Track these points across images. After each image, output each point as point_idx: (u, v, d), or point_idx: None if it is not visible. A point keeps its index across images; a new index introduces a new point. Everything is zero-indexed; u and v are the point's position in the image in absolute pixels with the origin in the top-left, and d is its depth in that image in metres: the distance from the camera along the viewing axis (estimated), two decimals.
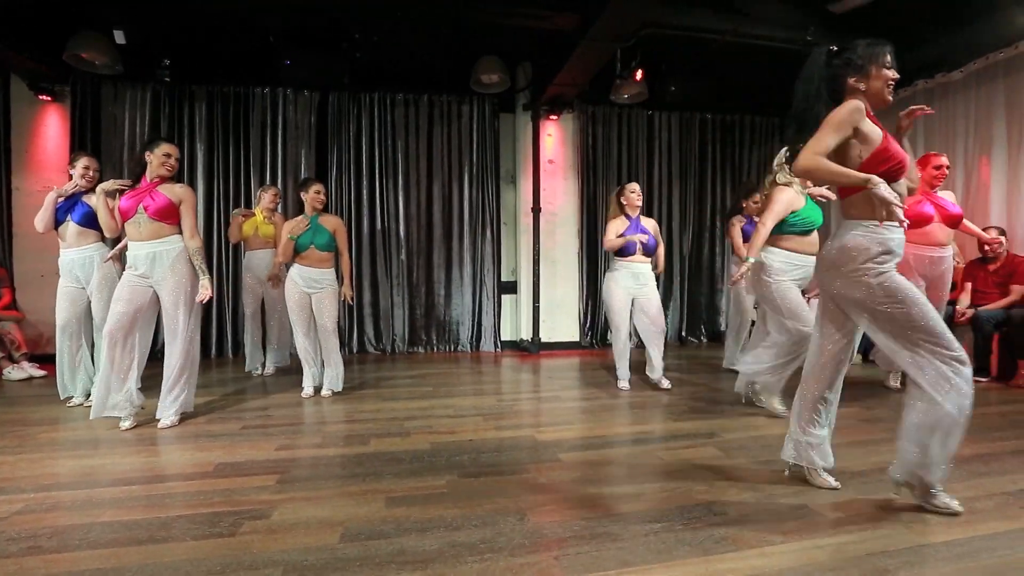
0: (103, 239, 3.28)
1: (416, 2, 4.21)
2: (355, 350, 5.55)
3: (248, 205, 4.98)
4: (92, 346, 3.39)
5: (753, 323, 5.02)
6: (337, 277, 3.61)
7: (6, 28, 4.16)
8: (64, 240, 3.25)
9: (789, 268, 2.87)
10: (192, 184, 5.17)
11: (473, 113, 5.75)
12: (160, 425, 2.81)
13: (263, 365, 4.40)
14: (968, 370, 1.68)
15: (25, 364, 4.20)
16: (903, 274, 1.81)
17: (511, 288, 5.97)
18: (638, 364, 4.01)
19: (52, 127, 5.04)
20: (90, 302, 3.25)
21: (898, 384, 3.57)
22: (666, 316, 4.45)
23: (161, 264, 2.80)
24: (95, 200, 3.08)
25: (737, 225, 4.16)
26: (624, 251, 3.63)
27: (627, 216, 3.66)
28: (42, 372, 4.15)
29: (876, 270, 1.74)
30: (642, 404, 3.37)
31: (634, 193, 3.65)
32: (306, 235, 3.46)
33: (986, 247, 4.01)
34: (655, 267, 3.80)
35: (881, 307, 1.74)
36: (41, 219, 3.21)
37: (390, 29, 4.72)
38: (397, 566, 1.47)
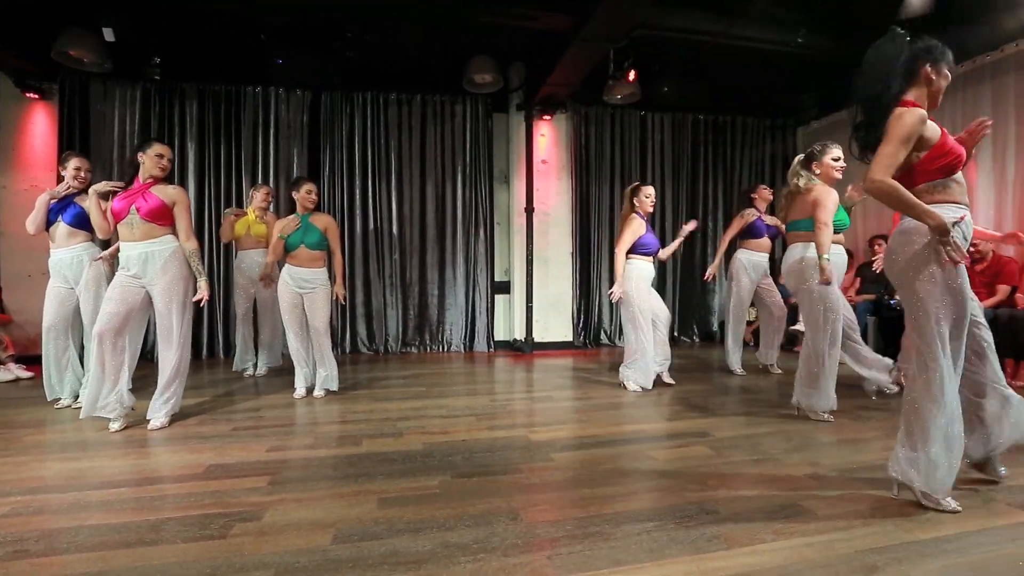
0: (92, 239, 3.25)
1: (409, 1, 4.20)
2: (348, 350, 5.53)
3: (240, 205, 4.95)
4: (81, 347, 3.36)
5: (750, 322, 5.06)
6: (330, 277, 3.59)
7: None
8: (54, 241, 3.23)
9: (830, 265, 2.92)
10: (183, 183, 5.14)
11: (466, 113, 5.75)
12: (150, 427, 2.78)
13: (255, 366, 4.37)
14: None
15: (12, 365, 4.15)
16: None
17: (504, 288, 5.98)
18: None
19: (39, 125, 4.98)
20: (79, 302, 3.22)
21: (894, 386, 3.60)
22: None
23: (153, 264, 2.78)
24: (87, 201, 3.05)
25: (741, 219, 4.27)
26: (646, 250, 3.72)
27: (640, 216, 3.71)
28: (29, 374, 4.10)
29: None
30: (635, 403, 3.38)
31: (648, 198, 3.71)
32: (296, 234, 3.44)
33: (971, 248, 4.07)
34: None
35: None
36: (33, 221, 3.18)
37: (383, 28, 4.71)
38: (390, 567, 1.46)
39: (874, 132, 1.77)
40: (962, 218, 1.72)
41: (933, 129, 1.74)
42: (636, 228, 3.65)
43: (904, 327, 3.63)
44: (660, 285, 6.14)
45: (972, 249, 4.07)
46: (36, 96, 4.88)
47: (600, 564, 1.47)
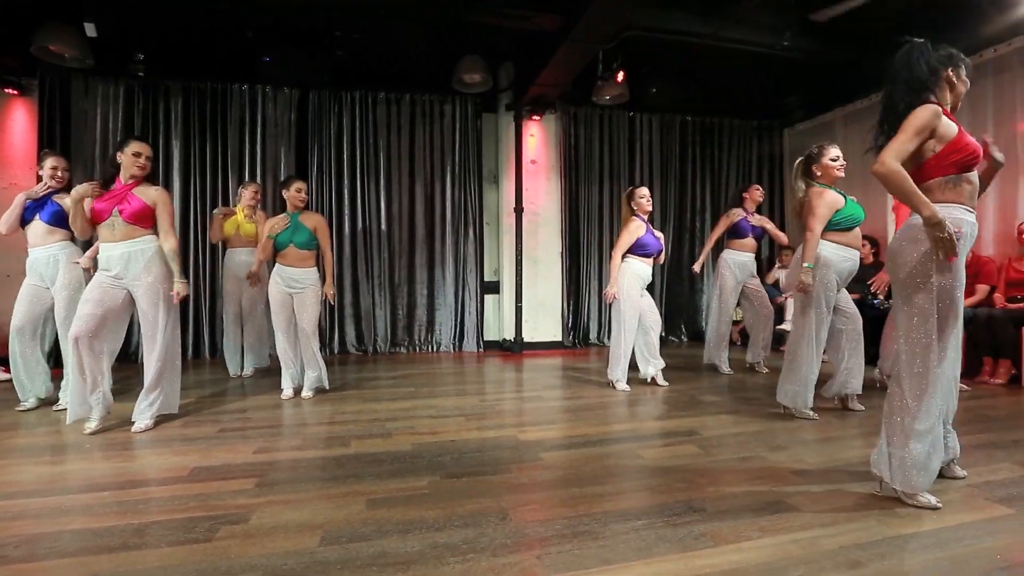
0: (71, 238, 3.19)
1: (398, 0, 4.18)
2: (336, 351, 5.49)
3: (227, 204, 4.89)
4: (54, 346, 3.30)
5: (737, 321, 5.11)
6: (320, 276, 3.56)
7: None
8: (31, 239, 3.17)
9: (838, 260, 2.88)
10: (168, 182, 5.07)
11: (455, 113, 5.74)
12: (134, 429, 2.74)
13: (241, 367, 4.33)
14: None
15: None
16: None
17: (494, 288, 5.97)
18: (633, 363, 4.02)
19: (19, 122, 4.88)
20: (53, 303, 3.16)
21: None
22: None
23: (136, 264, 2.74)
24: (67, 201, 2.99)
25: (727, 219, 4.30)
26: (644, 251, 3.73)
27: (640, 218, 3.72)
28: (7, 376, 4.00)
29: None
30: (623, 403, 3.40)
31: (644, 198, 3.73)
32: (285, 233, 3.41)
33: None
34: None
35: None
36: (6, 221, 3.13)
37: (372, 27, 4.68)
38: (378, 568, 1.46)
39: (895, 132, 1.81)
40: (959, 230, 1.75)
41: (950, 125, 1.80)
42: (634, 229, 3.67)
43: (885, 328, 3.70)
44: (648, 284, 6.18)
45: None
46: (15, 92, 4.77)
47: (589, 563, 1.48)
